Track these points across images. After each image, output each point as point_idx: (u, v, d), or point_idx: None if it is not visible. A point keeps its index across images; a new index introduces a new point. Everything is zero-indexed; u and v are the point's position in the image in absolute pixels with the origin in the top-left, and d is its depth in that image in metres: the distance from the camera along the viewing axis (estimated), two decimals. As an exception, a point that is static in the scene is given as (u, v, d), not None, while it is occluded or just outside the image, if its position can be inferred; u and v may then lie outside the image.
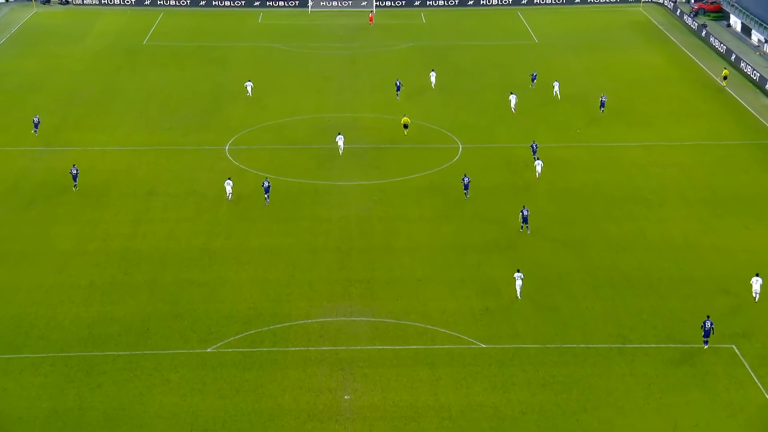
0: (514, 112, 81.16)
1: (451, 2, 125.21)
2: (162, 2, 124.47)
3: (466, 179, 64.92)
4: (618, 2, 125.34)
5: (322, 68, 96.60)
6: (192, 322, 50.31)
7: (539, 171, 67.44)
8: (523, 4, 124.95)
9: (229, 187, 64.45)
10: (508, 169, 70.10)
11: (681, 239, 59.46)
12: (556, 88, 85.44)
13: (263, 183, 64.18)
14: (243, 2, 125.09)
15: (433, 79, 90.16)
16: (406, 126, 76.77)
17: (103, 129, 78.64)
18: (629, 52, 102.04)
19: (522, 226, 59.77)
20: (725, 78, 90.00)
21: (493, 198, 64.66)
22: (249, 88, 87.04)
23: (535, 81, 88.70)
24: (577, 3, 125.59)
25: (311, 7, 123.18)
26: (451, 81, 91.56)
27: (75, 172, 66.57)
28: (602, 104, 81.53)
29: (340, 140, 72.42)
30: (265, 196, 63.70)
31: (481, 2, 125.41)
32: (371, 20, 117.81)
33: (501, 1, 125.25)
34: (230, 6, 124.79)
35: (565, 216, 62.55)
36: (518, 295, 52.61)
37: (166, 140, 76.26)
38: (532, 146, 71.26)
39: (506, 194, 64.80)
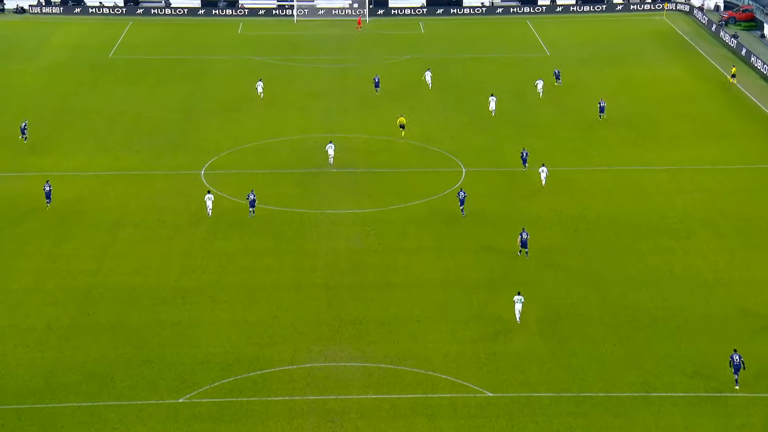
0: (493, 115, 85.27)
1: (455, 11, 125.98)
2: (154, 10, 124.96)
3: (461, 194, 66.21)
4: (639, 11, 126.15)
5: (308, 83, 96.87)
6: (162, 369, 49.98)
7: (544, 178, 70.08)
8: (534, 13, 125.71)
9: (209, 202, 66.10)
10: (517, 195, 70.10)
11: (711, 274, 59.38)
12: (539, 87, 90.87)
13: (248, 196, 66.36)
14: (221, 11, 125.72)
15: (428, 78, 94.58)
16: (402, 126, 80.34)
17: (64, 152, 78.59)
18: (651, 66, 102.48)
19: (520, 250, 60.57)
20: (733, 76, 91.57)
21: (502, 227, 64.57)
22: (260, 89, 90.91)
23: (560, 80, 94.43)
24: (594, 11, 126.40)
25: (297, 17, 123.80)
26: (453, 98, 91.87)
27: (48, 189, 67.32)
28: (601, 110, 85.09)
29: (330, 149, 74.75)
30: (250, 209, 65.90)
31: (473, 11, 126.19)
32: (359, 23, 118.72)
33: (509, 10, 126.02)
34: (207, 15, 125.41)
35: (581, 248, 62.47)
36: (518, 320, 53.11)
37: (135, 165, 76.23)
38: (522, 154, 73.55)
39: (516, 223, 64.63)
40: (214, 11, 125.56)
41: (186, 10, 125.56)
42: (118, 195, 70.42)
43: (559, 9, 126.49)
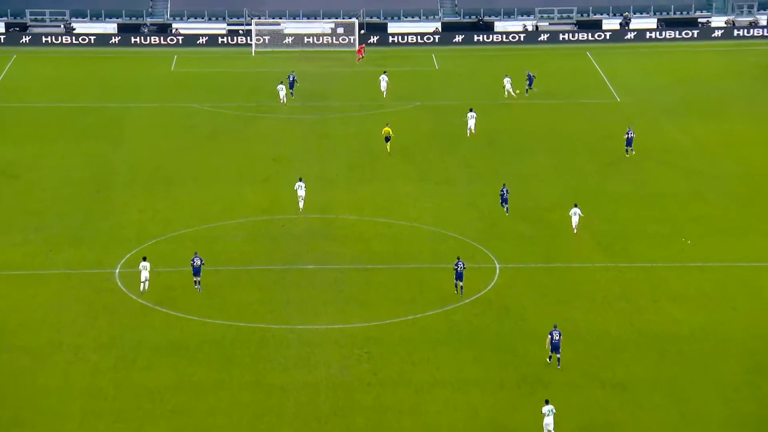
0: (468, 135, 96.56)
1: (481, 38, 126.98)
2: (22, 38, 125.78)
3: (460, 265, 69.63)
4: (748, 37, 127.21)
5: (273, 143, 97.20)
6: None
7: (576, 223, 78.26)
8: (596, 41, 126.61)
9: (145, 271, 69.88)
10: (576, 301, 69.82)
11: None
12: (508, 86, 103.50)
13: (192, 261, 70.60)
14: (145, 39, 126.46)
15: (383, 85, 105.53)
16: (388, 139, 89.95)
17: None
18: (766, 117, 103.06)
19: (550, 357, 62.23)
20: None
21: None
22: (282, 93, 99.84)
23: (533, 84, 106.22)
24: (682, 38, 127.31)
25: (255, 47, 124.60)
26: (481, 163, 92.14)
27: None
28: (629, 142, 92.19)
29: (300, 189, 79.97)
30: (195, 279, 70.56)
31: (508, 38, 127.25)
32: (359, 54, 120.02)
33: (560, 37, 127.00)
34: (125, 45, 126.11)
35: (671, 381, 61.85)
36: None
37: (19, 261, 76.13)
38: (501, 193, 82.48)
39: (574, 342, 64.24)
40: (135, 39, 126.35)
41: (95, 38, 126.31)
42: (-6, 304, 70.17)
43: (631, 35, 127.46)
